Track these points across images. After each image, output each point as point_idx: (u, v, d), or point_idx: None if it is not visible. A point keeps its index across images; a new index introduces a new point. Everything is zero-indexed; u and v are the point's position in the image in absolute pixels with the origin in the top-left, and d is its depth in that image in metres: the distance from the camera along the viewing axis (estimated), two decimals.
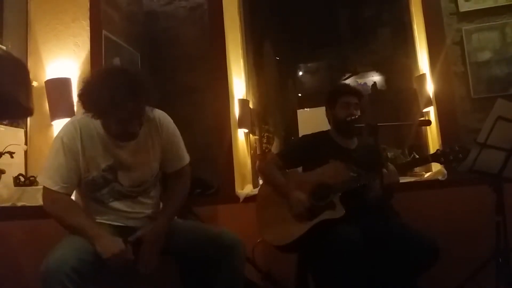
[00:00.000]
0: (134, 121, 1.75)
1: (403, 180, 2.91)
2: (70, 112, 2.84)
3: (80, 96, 1.76)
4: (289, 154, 2.45)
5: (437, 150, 2.15)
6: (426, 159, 2.22)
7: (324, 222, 2.13)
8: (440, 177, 2.70)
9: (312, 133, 2.50)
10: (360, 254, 1.97)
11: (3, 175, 2.64)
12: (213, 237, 1.87)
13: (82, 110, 1.81)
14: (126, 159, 1.86)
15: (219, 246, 1.83)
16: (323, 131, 2.48)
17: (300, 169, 2.47)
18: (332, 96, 2.43)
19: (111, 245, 1.68)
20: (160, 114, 1.95)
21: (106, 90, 1.67)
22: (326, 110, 2.46)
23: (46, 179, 1.80)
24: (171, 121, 1.99)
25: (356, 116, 2.27)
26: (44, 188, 1.81)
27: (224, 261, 1.82)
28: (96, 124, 1.83)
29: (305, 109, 3.73)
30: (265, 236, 2.34)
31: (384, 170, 2.10)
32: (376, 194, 2.13)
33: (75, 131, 1.82)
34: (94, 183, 1.85)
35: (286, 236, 2.22)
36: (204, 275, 1.88)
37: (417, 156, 3.00)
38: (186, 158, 2.04)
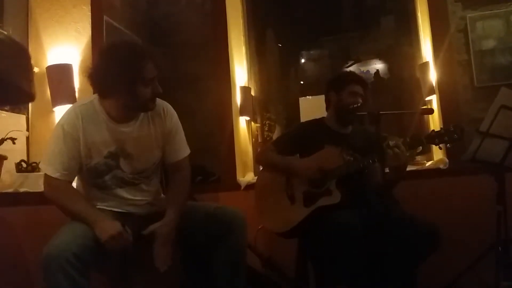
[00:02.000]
0: (157, 82, 1.80)
1: None
2: (71, 98, 2.84)
3: (92, 75, 1.78)
4: (285, 142, 2.45)
5: (432, 131, 2.14)
6: (420, 141, 2.20)
7: (321, 209, 2.15)
8: (441, 166, 2.70)
9: (307, 121, 2.52)
10: (358, 238, 1.98)
11: (5, 161, 2.64)
12: (212, 212, 1.88)
13: (84, 96, 1.81)
14: (129, 146, 1.87)
15: (220, 222, 1.84)
16: (317, 119, 2.48)
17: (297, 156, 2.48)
18: (340, 81, 2.41)
19: (108, 228, 1.69)
20: (164, 104, 1.97)
21: (129, 56, 1.72)
22: (329, 92, 2.44)
23: (47, 166, 1.81)
24: (175, 112, 2.00)
25: (359, 104, 2.26)
26: (45, 175, 1.82)
27: (226, 236, 1.82)
28: (99, 110, 1.83)
29: (307, 97, 3.70)
30: (265, 223, 2.37)
31: (390, 151, 2.08)
32: (376, 179, 2.14)
33: (76, 118, 1.82)
34: (96, 169, 1.85)
35: (285, 223, 2.24)
36: (206, 252, 1.88)
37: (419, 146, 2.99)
38: (186, 150, 2.04)
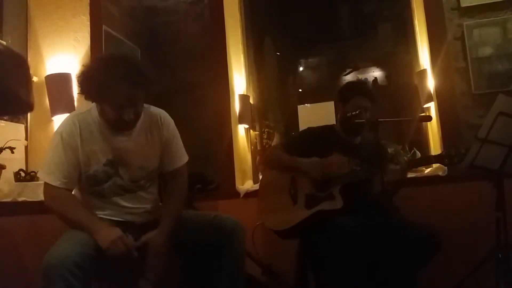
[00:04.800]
0: (129, 109, 1.74)
1: None
2: (70, 107, 2.84)
3: (78, 78, 1.77)
4: (293, 145, 2.44)
5: (442, 151, 2.16)
6: (429, 160, 2.22)
7: (322, 212, 2.15)
8: (440, 173, 2.70)
9: (318, 126, 2.49)
10: (358, 242, 1.97)
11: (3, 171, 2.64)
12: (211, 222, 1.88)
13: (82, 105, 1.82)
14: (126, 154, 1.87)
15: (218, 231, 1.84)
16: (328, 125, 2.48)
17: None
18: (346, 93, 2.39)
19: (109, 234, 1.68)
20: (161, 112, 1.97)
21: (103, 74, 1.69)
22: (336, 103, 2.44)
23: (47, 174, 1.80)
24: (172, 120, 2.00)
25: (358, 112, 2.26)
26: (45, 184, 1.81)
27: (225, 244, 1.82)
28: (96, 118, 1.84)
29: (306, 104, 3.71)
30: (264, 220, 2.37)
31: (393, 166, 2.11)
32: (377, 188, 2.14)
33: (74, 126, 1.82)
34: (95, 177, 1.85)
35: (284, 222, 2.25)
36: (205, 263, 1.88)
37: (418, 152, 3.00)
38: (184, 158, 2.03)
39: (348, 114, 2.26)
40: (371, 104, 2.33)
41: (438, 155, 2.17)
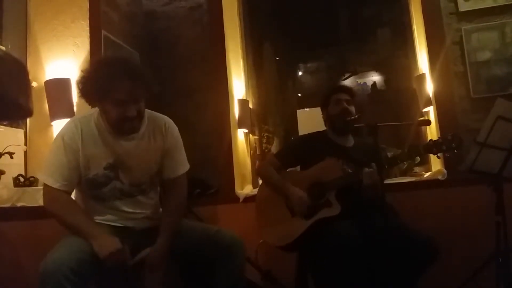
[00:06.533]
0: (131, 105, 1.75)
1: (402, 180, 2.92)
2: (69, 113, 2.84)
3: (78, 82, 1.78)
4: (286, 154, 2.47)
5: (430, 140, 2.15)
6: (418, 151, 2.21)
7: (322, 221, 2.15)
8: (439, 177, 2.70)
9: (309, 133, 2.53)
10: (358, 248, 1.97)
11: (2, 176, 2.64)
12: (212, 236, 1.88)
13: (82, 110, 1.83)
14: (127, 157, 1.87)
15: (219, 246, 1.84)
16: (319, 131, 2.50)
17: (298, 167, 2.49)
18: (325, 96, 2.48)
19: (108, 244, 1.68)
20: (167, 119, 1.99)
21: (103, 72, 1.72)
22: (321, 111, 2.50)
23: (47, 176, 1.81)
24: (177, 128, 2.01)
25: (356, 116, 2.28)
26: (45, 185, 1.81)
27: (224, 260, 1.83)
28: (98, 122, 1.85)
29: (305, 109, 3.72)
30: (266, 237, 2.36)
31: (366, 169, 2.12)
32: (375, 191, 2.14)
33: (76, 129, 1.83)
34: (94, 181, 1.85)
35: (285, 236, 2.24)
36: (205, 274, 1.88)
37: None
38: (185, 166, 2.03)
39: (347, 119, 2.29)
40: (350, 97, 2.40)
41: (426, 144, 2.15)
